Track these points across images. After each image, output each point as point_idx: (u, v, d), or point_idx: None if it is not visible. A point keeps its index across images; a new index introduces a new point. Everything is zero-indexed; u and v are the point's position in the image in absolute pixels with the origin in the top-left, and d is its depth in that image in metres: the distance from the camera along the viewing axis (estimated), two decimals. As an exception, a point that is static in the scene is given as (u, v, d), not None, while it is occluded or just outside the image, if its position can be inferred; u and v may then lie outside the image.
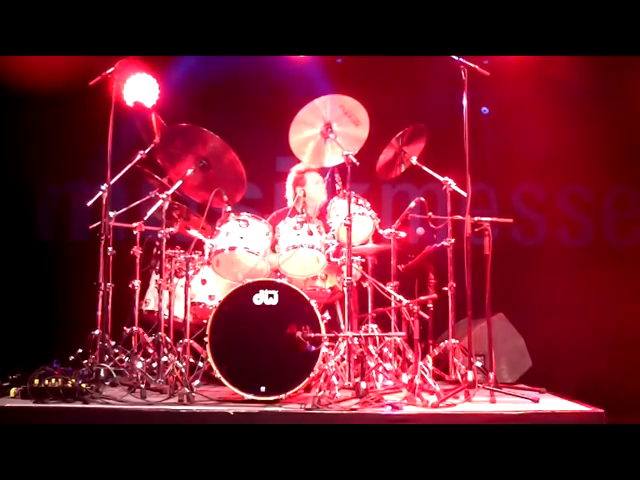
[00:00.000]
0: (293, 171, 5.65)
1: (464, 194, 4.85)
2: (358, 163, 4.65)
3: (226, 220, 4.80)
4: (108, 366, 4.74)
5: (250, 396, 4.29)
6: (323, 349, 4.38)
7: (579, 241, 6.83)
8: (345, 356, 4.53)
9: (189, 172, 4.94)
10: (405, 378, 4.67)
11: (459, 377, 4.83)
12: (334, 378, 4.41)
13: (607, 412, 4.06)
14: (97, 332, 5.01)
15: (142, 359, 4.93)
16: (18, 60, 5.64)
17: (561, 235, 6.85)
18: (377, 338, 5.03)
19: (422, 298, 4.95)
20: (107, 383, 4.68)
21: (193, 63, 6.50)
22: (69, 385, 4.22)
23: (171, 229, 5.03)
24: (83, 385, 4.25)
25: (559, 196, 6.86)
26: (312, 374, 4.33)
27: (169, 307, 4.92)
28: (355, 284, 4.94)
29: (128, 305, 5.31)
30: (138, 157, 5.34)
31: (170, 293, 4.95)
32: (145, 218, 5.19)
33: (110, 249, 5.09)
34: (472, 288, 4.59)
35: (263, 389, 4.30)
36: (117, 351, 5.05)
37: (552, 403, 4.45)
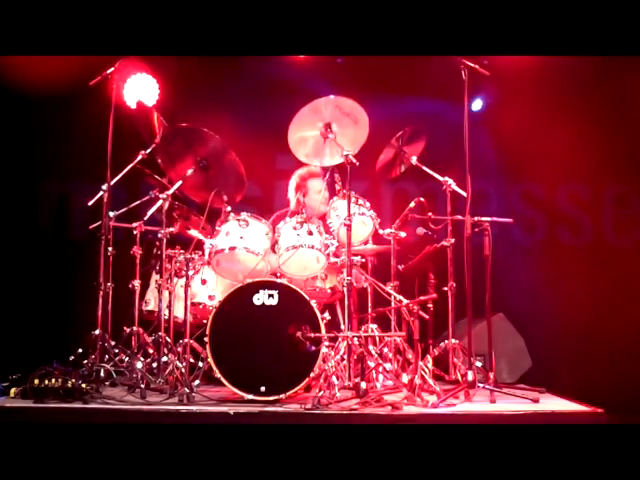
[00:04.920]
0: (296, 175, 5.61)
1: (464, 194, 4.85)
2: (358, 163, 4.65)
3: (226, 220, 4.80)
4: (108, 366, 4.75)
5: (250, 396, 4.30)
6: (323, 349, 4.38)
7: (579, 240, 6.83)
8: (345, 356, 4.52)
9: (189, 172, 4.94)
10: (405, 378, 4.67)
11: (459, 377, 4.83)
12: (334, 378, 4.41)
13: (607, 412, 4.06)
14: (97, 332, 5.01)
15: (142, 359, 4.93)
16: (18, 60, 5.64)
17: (561, 234, 6.84)
18: (377, 338, 5.03)
19: (422, 298, 4.95)
20: (107, 383, 4.69)
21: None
22: (69, 385, 4.22)
23: (171, 229, 5.02)
24: (83, 385, 4.25)
25: (559, 195, 6.85)
26: (312, 374, 4.34)
27: (169, 307, 4.92)
28: (356, 284, 4.94)
29: (128, 305, 5.31)
30: (139, 157, 5.34)
31: (170, 293, 4.94)
32: (145, 218, 5.19)
33: (110, 249, 5.09)
34: (472, 288, 4.59)
35: (263, 389, 4.30)
36: (117, 351, 5.05)
37: (552, 403, 4.46)
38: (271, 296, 4.43)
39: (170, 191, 4.87)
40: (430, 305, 5.16)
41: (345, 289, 4.61)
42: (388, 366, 4.89)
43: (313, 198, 5.48)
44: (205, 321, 4.60)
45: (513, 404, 4.33)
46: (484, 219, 4.85)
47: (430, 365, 4.88)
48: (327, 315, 4.57)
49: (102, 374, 4.70)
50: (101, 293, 5.11)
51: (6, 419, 4.01)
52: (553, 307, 6.39)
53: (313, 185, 5.52)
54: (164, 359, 4.70)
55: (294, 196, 5.58)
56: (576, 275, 6.36)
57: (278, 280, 4.56)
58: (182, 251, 5.09)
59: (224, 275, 4.89)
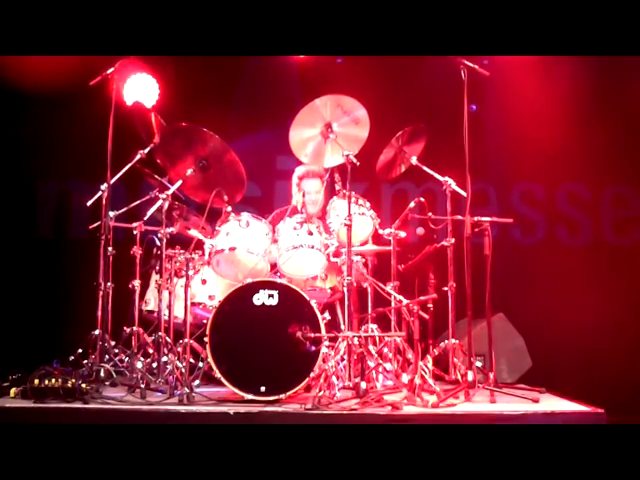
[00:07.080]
0: (295, 175, 5.62)
1: (464, 194, 4.85)
2: (358, 163, 4.65)
3: (226, 220, 4.80)
4: (108, 366, 4.74)
5: (250, 396, 4.29)
6: (323, 349, 4.38)
7: (578, 240, 6.83)
8: (345, 356, 4.53)
9: (189, 172, 4.94)
10: (405, 378, 4.67)
11: (459, 377, 4.83)
12: (334, 378, 4.41)
13: (607, 412, 4.06)
14: (97, 332, 5.01)
15: (142, 359, 4.93)
16: (18, 60, 5.64)
17: (560, 234, 6.85)
18: (377, 338, 5.03)
19: (422, 298, 4.95)
20: (107, 383, 4.68)
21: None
22: (69, 385, 4.22)
23: (171, 229, 5.02)
24: (83, 385, 4.25)
25: (558, 195, 6.86)
26: (312, 374, 4.33)
27: (169, 307, 4.91)
28: (355, 284, 4.94)
29: (128, 305, 5.30)
30: (138, 157, 5.33)
31: (170, 293, 4.94)
32: (145, 218, 5.19)
33: (110, 249, 5.08)
34: (472, 288, 4.59)
35: (263, 389, 4.30)
36: (117, 351, 5.05)
37: (552, 403, 4.46)
38: (271, 296, 4.42)
39: (170, 191, 4.87)
40: (430, 305, 5.15)
41: (345, 289, 4.62)
42: (388, 366, 4.89)
43: (307, 198, 5.48)
44: (205, 321, 4.60)
45: (513, 404, 4.32)
46: (484, 219, 4.85)
47: (430, 365, 4.88)
48: (327, 315, 4.57)
49: (102, 374, 4.70)
50: (101, 293, 5.10)
51: (6, 419, 4.01)
52: (553, 307, 6.39)
53: (309, 185, 5.51)
54: (164, 359, 4.70)
55: (295, 194, 5.58)
56: (576, 275, 6.37)
57: (278, 280, 4.56)
58: (182, 251, 5.08)
59: (224, 275, 4.89)
